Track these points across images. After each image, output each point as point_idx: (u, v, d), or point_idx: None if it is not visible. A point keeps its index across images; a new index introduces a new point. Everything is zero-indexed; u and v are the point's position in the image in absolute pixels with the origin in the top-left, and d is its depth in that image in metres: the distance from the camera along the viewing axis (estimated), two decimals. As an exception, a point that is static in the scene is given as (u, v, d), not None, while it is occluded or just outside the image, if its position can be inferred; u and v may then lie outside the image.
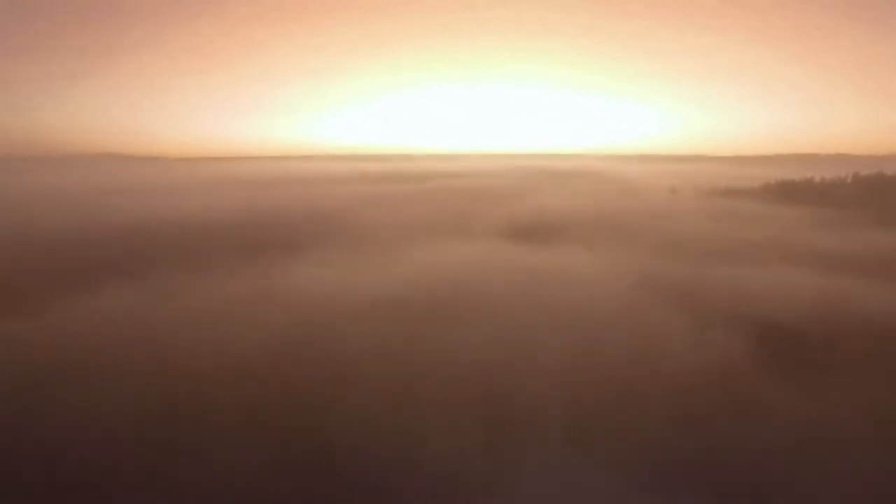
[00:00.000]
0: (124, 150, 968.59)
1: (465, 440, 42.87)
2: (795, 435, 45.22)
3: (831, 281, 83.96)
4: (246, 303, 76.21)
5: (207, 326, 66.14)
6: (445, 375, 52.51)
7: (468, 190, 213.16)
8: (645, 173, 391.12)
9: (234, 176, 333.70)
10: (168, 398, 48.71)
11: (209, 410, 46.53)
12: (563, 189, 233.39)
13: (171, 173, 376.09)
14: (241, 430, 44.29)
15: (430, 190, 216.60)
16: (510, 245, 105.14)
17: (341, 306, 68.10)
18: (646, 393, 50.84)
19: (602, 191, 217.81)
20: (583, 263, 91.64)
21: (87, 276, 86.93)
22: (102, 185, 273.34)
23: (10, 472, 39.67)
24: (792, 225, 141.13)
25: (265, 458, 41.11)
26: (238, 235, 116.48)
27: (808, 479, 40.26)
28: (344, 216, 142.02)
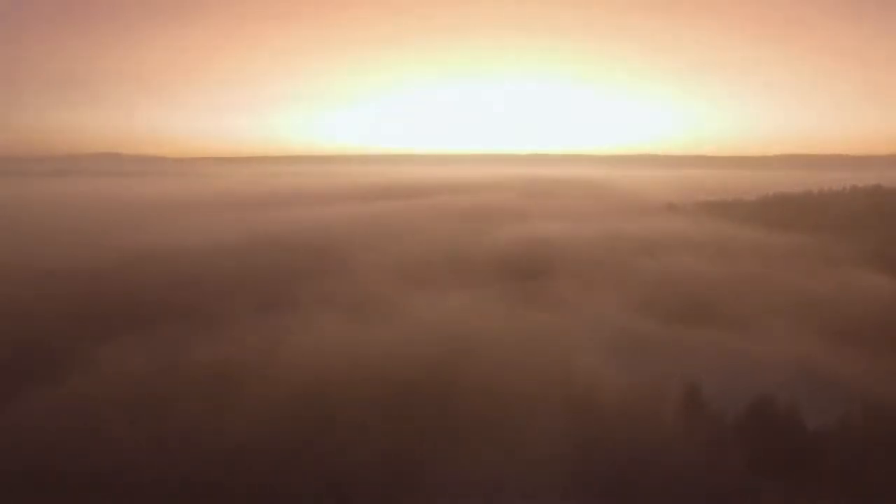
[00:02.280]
0: (123, 149, 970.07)
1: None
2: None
3: (828, 346, 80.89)
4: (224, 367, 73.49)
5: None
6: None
7: (462, 211, 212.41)
8: (644, 181, 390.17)
9: (228, 189, 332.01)
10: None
11: None
12: (559, 206, 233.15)
13: (166, 186, 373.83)
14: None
15: (424, 211, 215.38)
16: (496, 296, 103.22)
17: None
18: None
19: (598, 211, 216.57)
20: (566, 322, 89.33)
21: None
22: (94, 201, 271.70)
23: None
24: (790, 258, 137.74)
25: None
26: (217, 281, 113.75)
27: None
28: (333, 251, 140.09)
